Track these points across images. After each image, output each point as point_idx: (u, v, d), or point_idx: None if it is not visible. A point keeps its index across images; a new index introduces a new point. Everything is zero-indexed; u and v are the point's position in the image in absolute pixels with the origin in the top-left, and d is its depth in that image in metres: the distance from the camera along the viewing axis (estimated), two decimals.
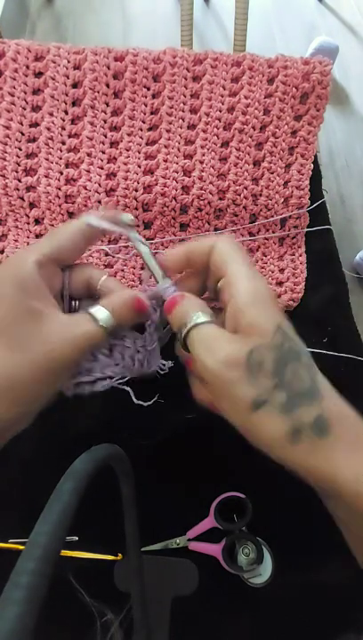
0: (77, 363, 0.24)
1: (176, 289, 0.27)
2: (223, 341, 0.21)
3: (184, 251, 0.26)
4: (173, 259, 0.27)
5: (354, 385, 0.45)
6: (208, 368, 0.21)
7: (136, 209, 0.45)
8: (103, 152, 0.45)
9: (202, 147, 0.45)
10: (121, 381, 0.28)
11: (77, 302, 0.29)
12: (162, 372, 0.30)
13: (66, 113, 0.45)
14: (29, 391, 0.21)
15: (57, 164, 0.44)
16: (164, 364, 0.30)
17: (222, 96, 0.46)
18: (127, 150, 0.45)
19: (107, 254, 0.44)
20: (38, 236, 0.45)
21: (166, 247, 0.46)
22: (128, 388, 0.28)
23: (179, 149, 0.45)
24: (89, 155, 0.44)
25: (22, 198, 0.44)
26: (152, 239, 0.46)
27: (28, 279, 0.22)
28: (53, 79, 0.44)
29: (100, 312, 0.24)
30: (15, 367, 0.20)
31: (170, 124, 0.45)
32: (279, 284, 0.46)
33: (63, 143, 0.45)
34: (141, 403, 0.30)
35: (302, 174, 0.47)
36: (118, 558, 0.38)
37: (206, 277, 0.27)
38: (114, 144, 0.45)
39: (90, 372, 0.27)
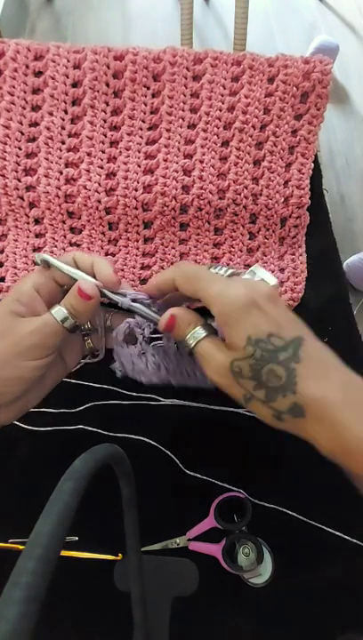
0: (39, 347, 0.29)
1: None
2: (215, 355, 0.28)
3: (154, 285, 0.32)
4: (149, 289, 0.32)
5: None
6: (209, 376, 0.28)
7: (136, 208, 0.44)
8: (103, 151, 0.45)
9: (202, 146, 0.45)
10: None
11: (110, 315, 0.34)
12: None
13: (65, 112, 0.45)
14: (5, 365, 0.28)
15: (57, 163, 0.44)
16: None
17: (222, 95, 0.46)
18: (127, 150, 0.45)
19: None
20: (38, 235, 0.45)
21: (166, 247, 0.46)
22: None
23: (179, 149, 0.45)
24: (89, 154, 0.44)
25: (22, 198, 0.44)
26: (152, 239, 0.46)
27: (23, 292, 0.30)
28: (53, 78, 0.44)
29: (57, 306, 0.30)
30: None
31: (170, 123, 0.45)
32: (280, 283, 0.46)
33: (63, 143, 0.44)
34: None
35: (303, 173, 0.47)
36: (118, 558, 0.38)
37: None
38: (114, 143, 0.45)
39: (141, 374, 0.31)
